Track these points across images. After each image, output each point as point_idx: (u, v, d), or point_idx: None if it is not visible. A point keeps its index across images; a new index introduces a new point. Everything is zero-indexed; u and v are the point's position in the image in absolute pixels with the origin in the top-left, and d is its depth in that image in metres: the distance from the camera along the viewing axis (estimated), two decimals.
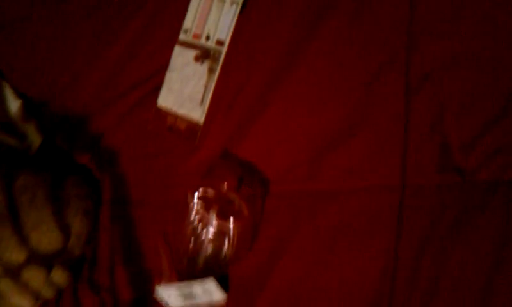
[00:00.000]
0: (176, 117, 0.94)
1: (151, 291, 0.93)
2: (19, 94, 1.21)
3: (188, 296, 0.84)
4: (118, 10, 1.08)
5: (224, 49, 0.89)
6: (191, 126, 0.91)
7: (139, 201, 1.01)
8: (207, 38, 0.92)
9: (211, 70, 0.90)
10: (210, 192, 0.82)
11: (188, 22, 0.95)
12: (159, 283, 0.86)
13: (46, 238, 1.01)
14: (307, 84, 0.81)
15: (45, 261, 1.02)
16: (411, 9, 0.74)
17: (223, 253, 0.82)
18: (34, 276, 1.02)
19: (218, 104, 0.89)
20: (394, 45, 0.75)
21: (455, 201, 0.69)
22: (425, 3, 0.74)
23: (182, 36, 0.96)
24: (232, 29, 0.89)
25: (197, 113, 0.90)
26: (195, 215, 0.83)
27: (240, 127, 0.87)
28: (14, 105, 1.20)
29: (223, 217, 0.80)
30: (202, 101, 0.90)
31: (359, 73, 0.77)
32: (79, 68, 1.13)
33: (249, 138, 0.86)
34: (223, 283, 0.81)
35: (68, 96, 1.14)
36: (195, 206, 0.83)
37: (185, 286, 0.82)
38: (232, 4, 0.89)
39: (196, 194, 0.83)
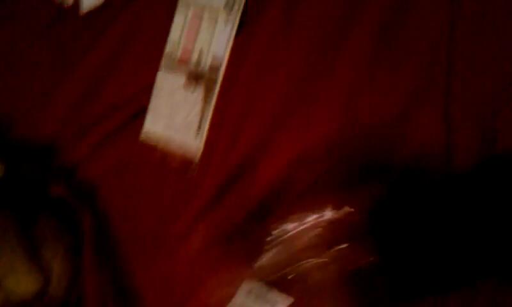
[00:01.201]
0: (166, 149, 0.86)
1: None
2: None
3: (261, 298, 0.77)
4: (84, 27, 0.98)
5: (220, 75, 0.81)
6: (186, 161, 0.84)
7: (127, 237, 0.94)
8: (198, 62, 0.83)
9: (206, 99, 0.82)
10: None
11: (172, 44, 0.86)
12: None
13: (21, 283, 0.94)
14: (326, 115, 0.76)
15: None
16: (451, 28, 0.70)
17: None
18: None
19: (217, 138, 0.82)
20: (432, 64, 0.70)
21: None
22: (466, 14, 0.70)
23: (166, 61, 0.87)
24: (227, 53, 0.81)
25: (193, 145, 0.82)
26: None
27: (248, 159, 0.80)
28: None
29: None
30: (199, 131, 0.82)
31: (388, 99, 0.72)
32: (43, 90, 1.03)
33: (260, 170, 0.79)
34: None
35: (32, 122, 1.04)
36: None
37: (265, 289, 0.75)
38: (226, 24, 0.81)
39: None
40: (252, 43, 0.81)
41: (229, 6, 0.81)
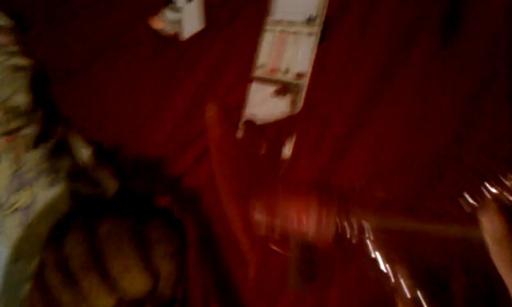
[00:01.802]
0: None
1: None
2: (89, 142, 1.23)
3: None
4: (185, 51, 1.09)
5: (305, 81, 0.89)
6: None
7: (228, 240, 1.01)
8: (286, 71, 0.92)
9: (293, 103, 0.89)
10: None
11: (263, 57, 0.95)
12: None
13: (135, 282, 1.02)
14: (397, 113, 0.80)
15: (136, 305, 1.03)
16: (508, 25, 0.73)
17: None
18: None
19: (304, 140, 0.89)
20: (494, 61, 0.73)
21: None
22: None
23: (257, 72, 0.96)
24: (312, 61, 0.89)
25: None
26: None
27: (331, 160, 0.86)
28: (85, 153, 1.21)
29: None
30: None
31: (455, 97, 0.76)
32: (149, 111, 1.14)
33: (339, 172, 0.85)
34: None
35: (141, 141, 1.15)
36: None
37: None
38: (309, 35, 0.89)
39: None
40: (332, 51, 0.88)
41: (312, 20, 0.89)
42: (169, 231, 1.08)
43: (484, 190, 0.37)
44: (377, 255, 0.42)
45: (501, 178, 0.36)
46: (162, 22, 1.11)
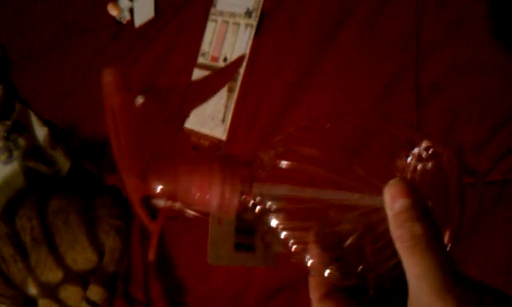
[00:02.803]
0: (199, 136, 0.99)
1: (184, 302, 0.99)
2: (45, 122, 1.27)
3: None
4: (137, 38, 1.14)
5: (241, 69, 0.94)
6: (215, 143, 0.96)
7: (170, 217, 1.05)
8: (225, 59, 0.97)
9: (230, 90, 0.95)
10: None
11: (205, 45, 1.01)
12: None
13: (81, 257, 1.07)
14: (322, 98, 0.86)
15: (81, 279, 1.08)
16: (419, 22, 0.79)
17: None
18: (71, 294, 1.07)
19: (239, 122, 0.94)
20: (404, 57, 0.79)
21: (469, 202, 0.73)
22: (431, 16, 0.79)
23: (200, 59, 1.01)
24: (248, 50, 0.94)
25: (219, 131, 0.95)
26: None
27: (261, 143, 0.92)
28: (41, 132, 1.25)
29: None
30: (223, 120, 0.95)
31: (371, 86, 0.81)
32: (101, 94, 1.18)
33: None
34: None
35: (93, 122, 1.19)
36: None
37: None
38: (246, 27, 0.95)
39: None
40: (265, 43, 0.94)
41: (249, 13, 0.95)
42: (116, 209, 1.12)
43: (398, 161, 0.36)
44: (279, 226, 0.41)
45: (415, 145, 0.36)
46: (118, 9, 1.16)
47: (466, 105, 0.74)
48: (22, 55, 1.35)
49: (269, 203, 0.41)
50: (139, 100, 0.67)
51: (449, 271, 0.29)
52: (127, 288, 1.09)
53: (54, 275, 1.06)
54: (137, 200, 0.39)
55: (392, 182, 0.34)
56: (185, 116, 0.89)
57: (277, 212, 0.41)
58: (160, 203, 0.40)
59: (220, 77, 0.74)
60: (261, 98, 0.92)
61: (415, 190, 0.33)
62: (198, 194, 0.39)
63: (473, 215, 0.72)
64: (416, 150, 0.37)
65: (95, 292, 1.06)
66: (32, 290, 1.05)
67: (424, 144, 0.37)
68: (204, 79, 0.84)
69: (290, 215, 0.41)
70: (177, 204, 0.40)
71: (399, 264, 0.32)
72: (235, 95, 0.94)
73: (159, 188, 0.39)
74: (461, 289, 0.28)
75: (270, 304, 0.88)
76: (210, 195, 0.39)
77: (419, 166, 0.36)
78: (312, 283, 0.40)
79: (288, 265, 0.39)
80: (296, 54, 0.89)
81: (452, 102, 0.75)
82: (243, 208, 0.40)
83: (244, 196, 0.40)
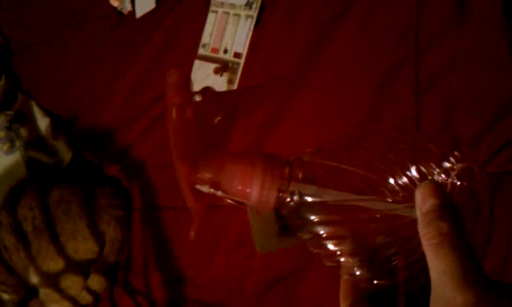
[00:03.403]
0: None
1: (184, 292, 1.00)
2: (47, 113, 1.27)
3: None
4: (138, 28, 1.14)
5: (241, 61, 0.95)
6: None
7: (169, 207, 1.06)
8: (225, 51, 0.97)
9: (230, 81, 0.95)
10: None
11: (206, 37, 1.01)
12: None
13: (82, 246, 1.08)
14: (322, 89, 0.86)
15: (82, 269, 1.08)
16: (418, 14, 0.79)
17: None
18: (72, 283, 1.08)
19: (239, 113, 0.95)
20: (403, 49, 0.79)
21: None
22: (430, 8, 0.79)
23: (200, 51, 1.01)
24: (248, 42, 0.94)
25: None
26: None
27: (260, 133, 0.92)
28: (43, 123, 1.26)
29: None
30: None
31: (371, 77, 0.82)
32: (103, 85, 1.19)
33: (269, 143, 0.91)
34: None
35: (94, 112, 1.20)
36: None
37: None
38: (247, 18, 0.95)
39: None
40: (265, 35, 0.94)
41: (249, 5, 0.95)
42: (117, 199, 1.13)
43: (423, 169, 0.37)
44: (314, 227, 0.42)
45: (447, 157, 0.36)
46: (120, 0, 1.16)
47: (464, 98, 0.74)
48: (24, 46, 1.35)
49: (305, 200, 0.42)
50: (197, 98, 0.69)
51: (472, 268, 0.30)
52: (127, 278, 1.09)
53: (55, 264, 1.07)
54: (186, 184, 0.42)
55: (423, 183, 0.35)
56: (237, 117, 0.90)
57: (312, 211, 0.43)
58: (205, 189, 0.43)
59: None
60: (261, 89, 0.92)
61: (444, 192, 0.34)
62: (240, 187, 0.42)
63: None
64: (447, 165, 0.37)
65: (96, 282, 1.07)
66: (34, 278, 1.06)
67: (457, 161, 0.38)
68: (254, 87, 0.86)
69: (325, 216, 0.42)
70: (219, 193, 0.43)
71: (426, 268, 0.33)
72: (235, 86, 0.94)
73: (206, 176, 0.43)
74: (481, 285, 0.30)
75: (269, 294, 0.89)
76: (250, 189, 0.42)
77: (457, 183, 0.37)
78: (343, 289, 0.42)
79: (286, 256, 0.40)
80: (296, 45, 0.89)
81: (450, 95, 0.75)
82: (280, 204, 0.42)
83: (281, 193, 0.42)
